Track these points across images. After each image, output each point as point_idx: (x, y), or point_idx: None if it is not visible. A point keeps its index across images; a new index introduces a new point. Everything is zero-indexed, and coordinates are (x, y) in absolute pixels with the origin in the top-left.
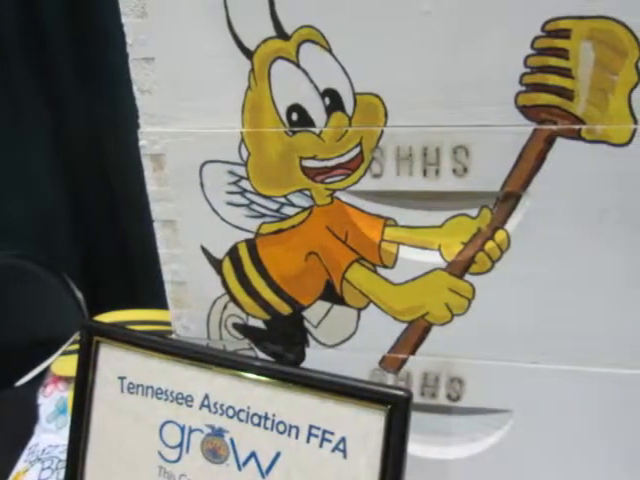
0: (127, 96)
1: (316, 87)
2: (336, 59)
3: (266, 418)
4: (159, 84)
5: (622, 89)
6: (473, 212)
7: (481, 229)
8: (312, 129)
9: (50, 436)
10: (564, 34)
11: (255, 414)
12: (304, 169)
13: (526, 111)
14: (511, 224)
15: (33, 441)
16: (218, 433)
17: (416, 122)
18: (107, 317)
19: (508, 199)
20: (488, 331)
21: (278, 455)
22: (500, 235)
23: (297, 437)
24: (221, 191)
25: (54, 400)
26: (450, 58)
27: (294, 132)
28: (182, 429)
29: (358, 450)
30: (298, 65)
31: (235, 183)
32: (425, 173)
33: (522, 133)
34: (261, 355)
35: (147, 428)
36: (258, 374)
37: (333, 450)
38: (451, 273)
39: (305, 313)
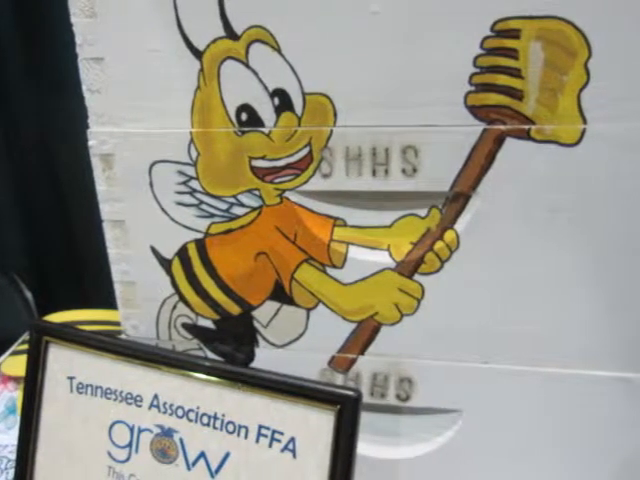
0: (76, 96)
1: (265, 87)
2: (285, 59)
3: (215, 418)
4: (108, 84)
5: (572, 89)
6: (422, 212)
7: (430, 229)
8: (261, 129)
9: None
10: (514, 34)
11: (204, 414)
12: (253, 169)
13: (475, 111)
14: (460, 224)
15: None
16: (167, 433)
17: (365, 122)
18: (56, 317)
19: (457, 199)
20: (438, 331)
21: (227, 455)
22: (449, 235)
23: (246, 437)
24: (170, 191)
25: (3, 400)
26: (399, 58)
27: (243, 132)
28: (131, 429)
29: (307, 450)
30: (247, 65)
31: (184, 183)
32: (374, 173)
33: (471, 133)
34: (210, 355)
35: (96, 428)
36: (207, 374)
37: (282, 450)
38: (400, 273)
39: (254, 313)
